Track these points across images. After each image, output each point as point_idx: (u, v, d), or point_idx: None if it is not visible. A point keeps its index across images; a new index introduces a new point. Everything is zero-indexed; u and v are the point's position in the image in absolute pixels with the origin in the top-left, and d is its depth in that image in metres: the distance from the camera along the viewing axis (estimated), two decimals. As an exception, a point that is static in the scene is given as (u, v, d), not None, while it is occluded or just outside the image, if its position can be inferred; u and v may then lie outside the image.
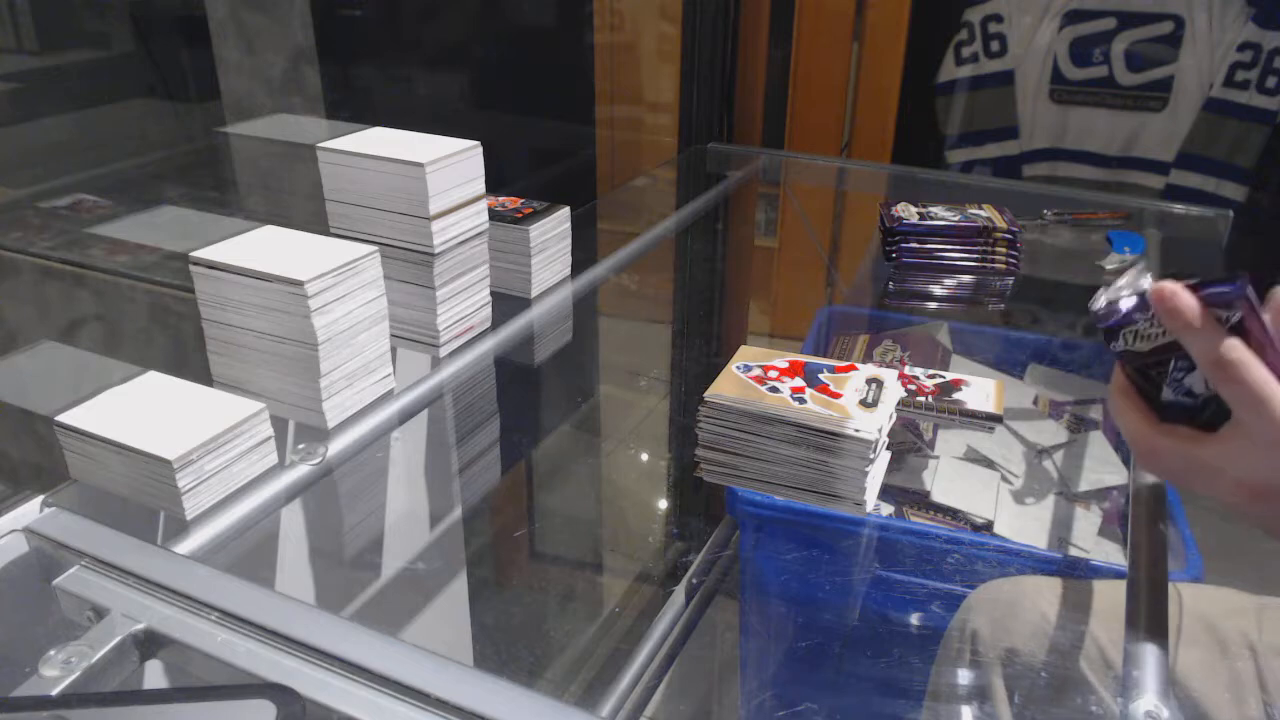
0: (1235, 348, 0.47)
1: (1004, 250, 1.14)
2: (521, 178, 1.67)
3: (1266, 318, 0.48)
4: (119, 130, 1.38)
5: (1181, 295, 0.48)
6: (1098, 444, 1.03)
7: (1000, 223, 1.15)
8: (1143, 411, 0.54)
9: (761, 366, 0.69)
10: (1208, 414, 0.52)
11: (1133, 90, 1.57)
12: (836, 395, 0.65)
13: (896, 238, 1.15)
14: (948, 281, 1.17)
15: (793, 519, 0.86)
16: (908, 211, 1.18)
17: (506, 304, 0.91)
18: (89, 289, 1.19)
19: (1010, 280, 1.16)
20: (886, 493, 0.97)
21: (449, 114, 1.56)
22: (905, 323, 1.20)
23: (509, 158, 1.64)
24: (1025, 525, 0.94)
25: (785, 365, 0.69)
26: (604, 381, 1.21)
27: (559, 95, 1.75)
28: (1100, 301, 0.54)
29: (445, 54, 1.55)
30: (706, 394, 0.65)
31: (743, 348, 0.72)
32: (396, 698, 0.45)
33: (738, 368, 0.69)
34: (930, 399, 0.86)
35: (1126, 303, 0.53)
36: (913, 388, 0.87)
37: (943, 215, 1.17)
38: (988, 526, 0.93)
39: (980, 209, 1.19)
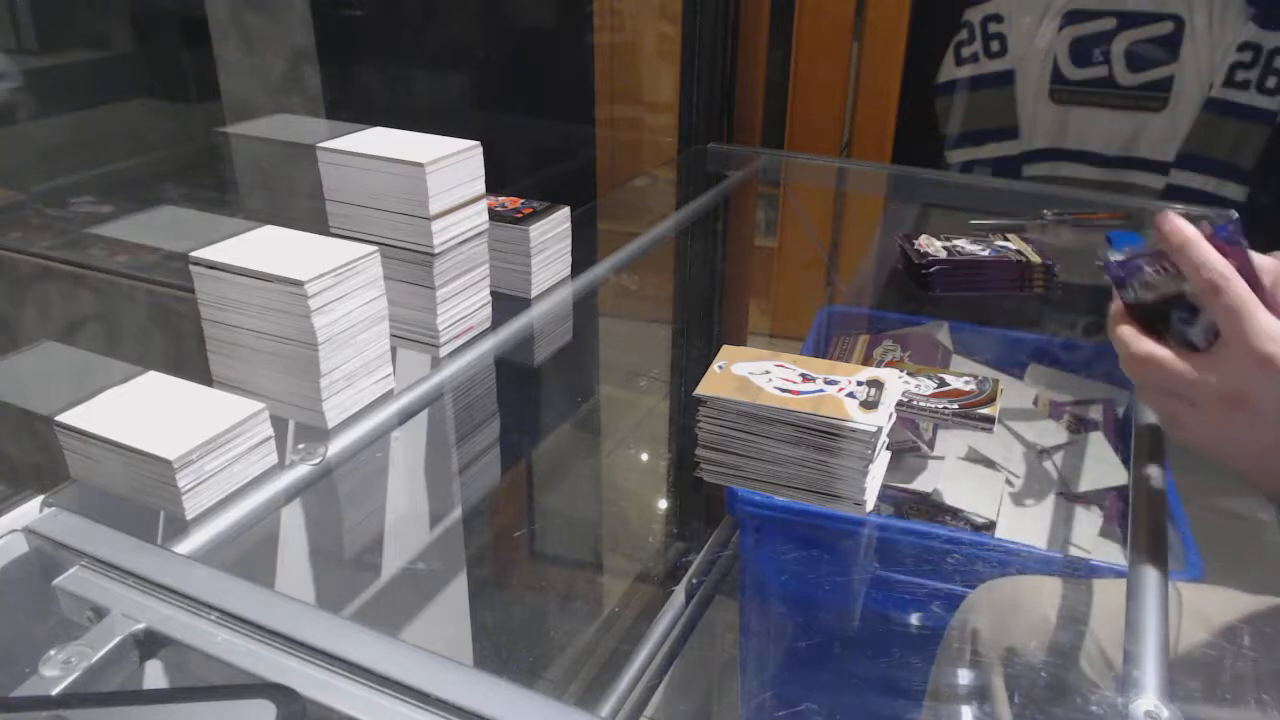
0: (1221, 264, 0.53)
1: (1041, 278, 1.15)
2: (521, 178, 1.67)
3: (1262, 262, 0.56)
4: (119, 130, 1.38)
5: (1182, 220, 0.56)
6: (1098, 444, 1.03)
7: (1034, 258, 1.14)
8: (1137, 326, 0.59)
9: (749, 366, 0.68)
10: None
11: (1133, 90, 1.57)
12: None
13: (933, 269, 1.14)
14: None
15: (793, 519, 0.86)
16: (932, 245, 1.17)
17: (506, 304, 0.91)
18: (89, 289, 1.19)
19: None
20: (886, 493, 0.97)
21: (449, 114, 1.56)
22: (905, 323, 1.20)
23: (509, 158, 1.63)
24: (1025, 525, 0.94)
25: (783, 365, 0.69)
26: (604, 381, 1.21)
27: (559, 95, 1.75)
28: (1111, 255, 0.60)
29: (445, 54, 1.55)
30: (704, 393, 0.65)
31: (725, 347, 0.71)
32: (396, 698, 0.45)
33: (719, 367, 0.68)
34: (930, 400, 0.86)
35: (1137, 253, 0.59)
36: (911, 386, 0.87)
37: (970, 249, 1.16)
38: (988, 526, 0.93)
39: (1006, 240, 1.19)
